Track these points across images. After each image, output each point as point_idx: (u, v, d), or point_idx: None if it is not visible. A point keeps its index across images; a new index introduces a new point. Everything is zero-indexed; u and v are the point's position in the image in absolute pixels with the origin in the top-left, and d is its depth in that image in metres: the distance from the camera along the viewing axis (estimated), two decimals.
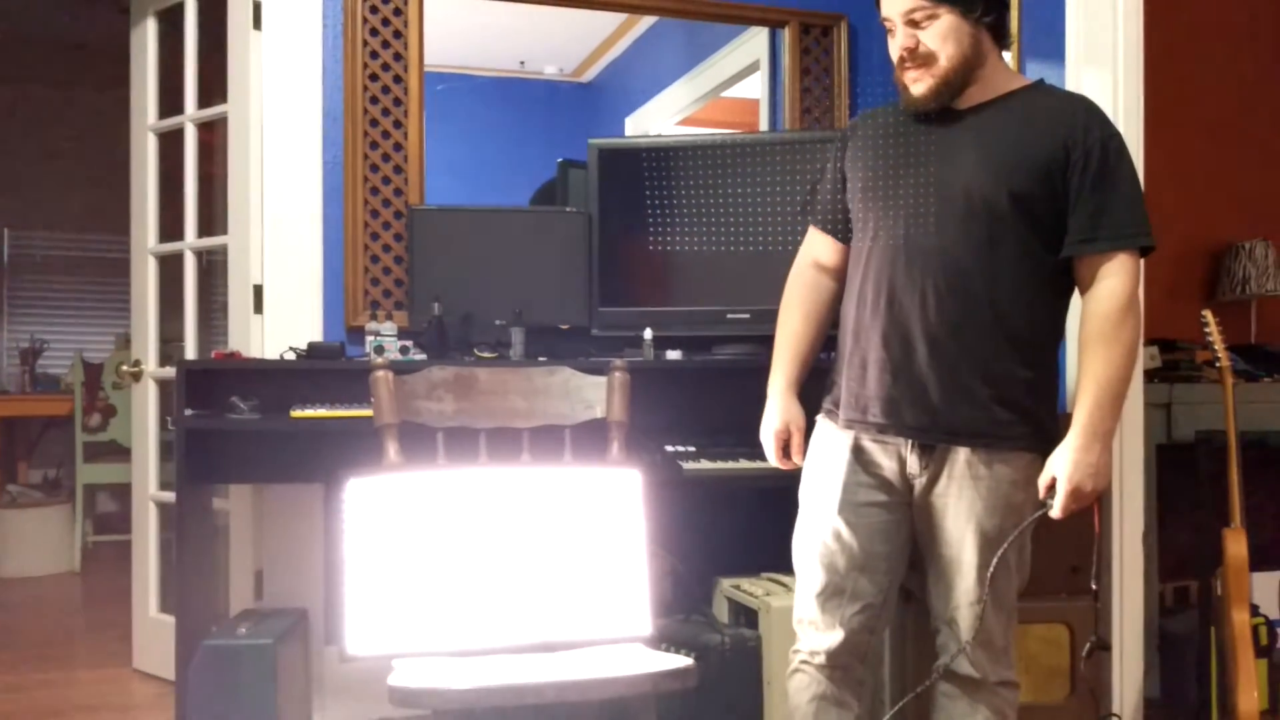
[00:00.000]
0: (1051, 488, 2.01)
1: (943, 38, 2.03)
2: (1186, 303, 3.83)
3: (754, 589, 2.84)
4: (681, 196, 3.17)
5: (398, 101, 3.31)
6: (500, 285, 3.15)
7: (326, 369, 2.95)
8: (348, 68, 3.27)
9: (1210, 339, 2.84)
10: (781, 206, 3.11)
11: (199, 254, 3.63)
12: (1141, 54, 2.85)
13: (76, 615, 4.83)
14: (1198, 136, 3.96)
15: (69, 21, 5.98)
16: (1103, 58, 2.82)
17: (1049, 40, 2.94)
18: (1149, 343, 3.27)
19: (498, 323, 3.10)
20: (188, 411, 2.81)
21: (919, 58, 2.05)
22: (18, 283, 6.52)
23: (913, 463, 2.10)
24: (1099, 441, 1.97)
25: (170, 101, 3.67)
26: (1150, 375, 3.26)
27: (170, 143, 3.68)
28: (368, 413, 2.42)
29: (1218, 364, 2.83)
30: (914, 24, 2.04)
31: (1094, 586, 2.27)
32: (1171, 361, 3.43)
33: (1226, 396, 2.81)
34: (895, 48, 2.09)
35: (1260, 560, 3.02)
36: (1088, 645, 2.24)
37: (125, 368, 3.78)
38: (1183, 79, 3.88)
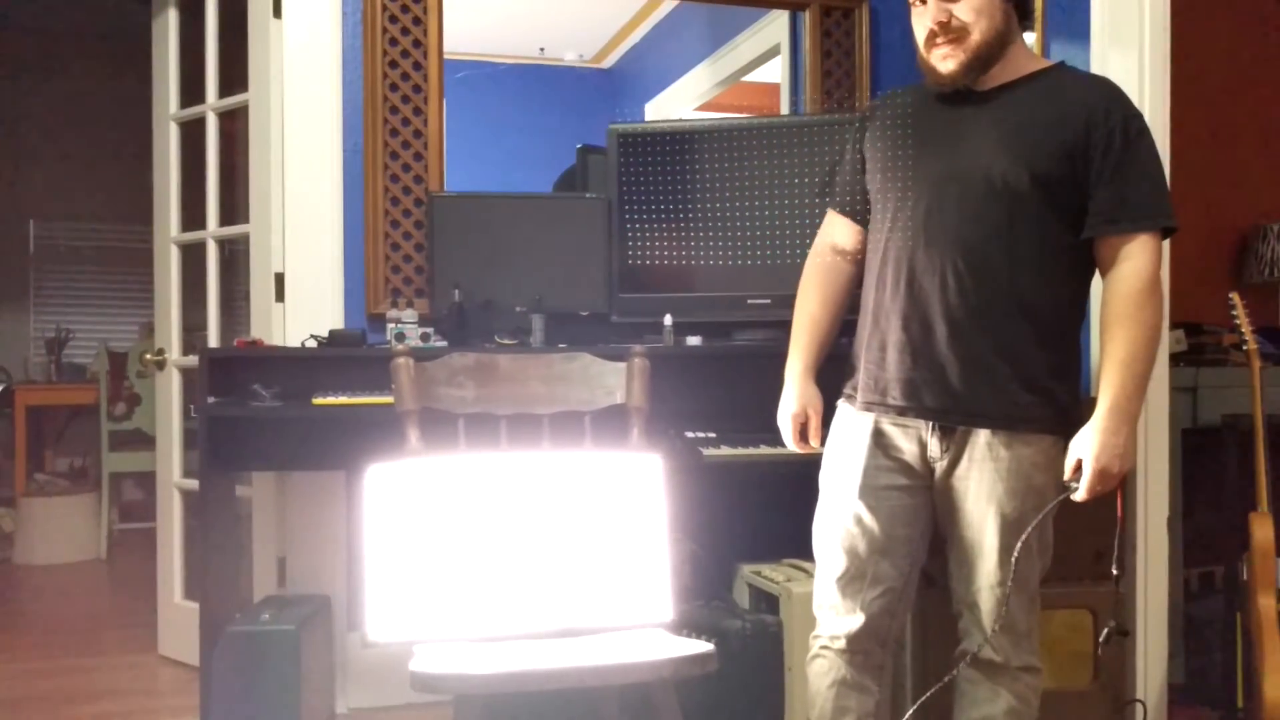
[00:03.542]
0: (1077, 470, 1.99)
1: (976, 11, 2.01)
2: (1213, 285, 3.80)
3: (775, 575, 2.83)
4: (702, 181, 3.16)
5: (417, 88, 3.31)
6: (520, 272, 3.15)
7: (348, 356, 2.96)
8: (367, 55, 3.27)
9: (1237, 322, 2.82)
10: (802, 190, 3.09)
11: (221, 243, 3.65)
12: (1168, 34, 2.82)
13: (102, 602, 4.87)
14: (1224, 118, 3.92)
15: (90, 12, 6.01)
16: (1128, 38, 2.79)
17: (1073, 20, 2.91)
18: (1175, 326, 3.24)
19: (518, 309, 3.10)
20: (211, 400, 2.82)
21: (951, 31, 2.03)
22: (43, 273, 6.57)
23: (933, 445, 2.09)
24: (1125, 423, 1.96)
25: (192, 91, 3.68)
26: (1176, 359, 3.23)
27: (192, 132, 3.70)
28: (389, 400, 2.43)
29: (1244, 347, 2.80)
30: None
31: (1116, 572, 2.25)
32: (1197, 345, 3.40)
33: (1253, 380, 2.78)
34: (923, 24, 2.06)
35: None
36: (1105, 631, 2.22)
37: (149, 356, 3.80)
38: (1209, 59, 3.84)
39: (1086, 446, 1.97)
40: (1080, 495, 1.99)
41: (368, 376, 2.89)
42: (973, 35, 2.02)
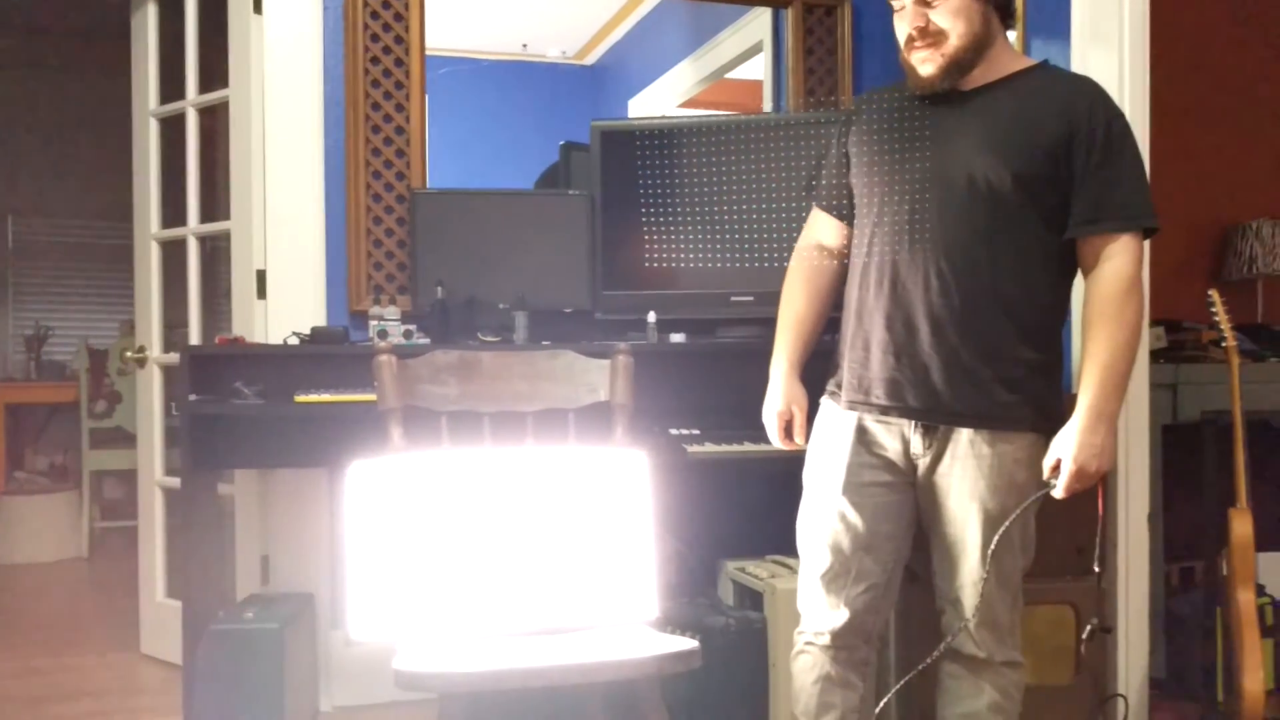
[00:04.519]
0: (1056, 468, 2.01)
1: (954, 15, 2.01)
2: (1193, 283, 3.82)
3: (759, 571, 2.84)
4: (685, 179, 3.16)
5: (399, 85, 3.30)
6: (503, 269, 3.15)
7: (330, 354, 2.95)
8: (349, 51, 3.26)
9: (1216, 319, 2.83)
10: (785, 188, 3.09)
11: (202, 239, 3.63)
12: (1147, 33, 2.83)
13: (84, 601, 4.84)
14: (1204, 116, 3.94)
15: (69, 7, 5.97)
16: (1108, 37, 2.80)
17: (1054, 19, 2.92)
18: (1155, 323, 3.26)
19: (501, 306, 3.10)
20: (192, 397, 2.81)
21: (929, 36, 2.03)
22: (22, 270, 6.52)
23: (916, 443, 2.10)
24: (1103, 422, 1.97)
25: (172, 87, 3.66)
26: (1156, 356, 3.25)
27: (172, 128, 3.68)
28: (371, 397, 2.42)
29: (1224, 344, 2.82)
30: (924, 2, 2.02)
31: (1097, 569, 2.26)
32: (1177, 342, 3.42)
33: (1232, 376, 2.80)
34: (903, 27, 2.07)
35: (1266, 540, 3.02)
36: (1088, 628, 2.23)
37: (130, 354, 3.78)
38: (1189, 58, 3.86)
39: (1065, 445, 1.98)
40: (1058, 493, 2.00)
41: (350, 374, 2.88)
42: (950, 39, 2.03)
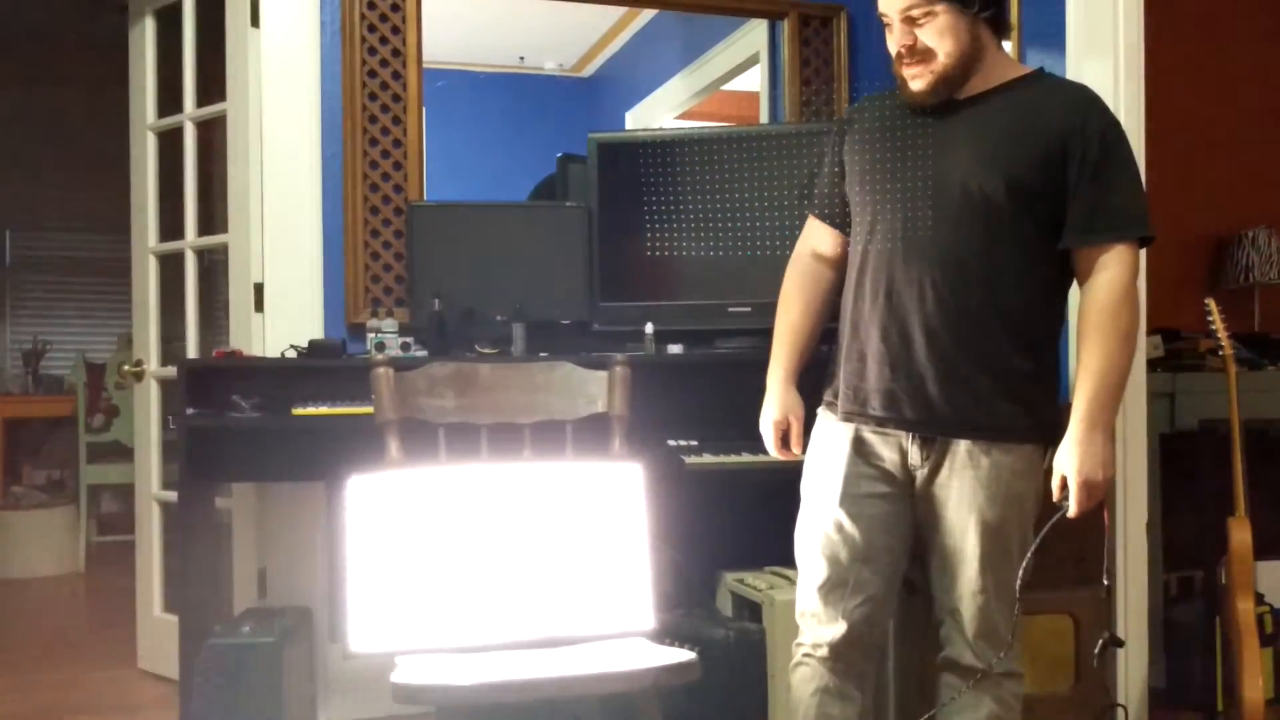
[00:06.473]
0: (1064, 487, 2.00)
1: (940, 34, 2.02)
2: (1190, 291, 3.83)
3: (757, 582, 2.83)
4: (682, 190, 3.16)
5: (396, 98, 3.30)
6: (501, 281, 3.14)
7: (327, 367, 2.94)
8: (346, 64, 3.26)
9: (1214, 327, 2.84)
10: (782, 199, 3.10)
11: (199, 253, 3.63)
12: (1142, 42, 2.84)
13: (81, 616, 4.83)
14: (1200, 125, 3.94)
15: (69, 21, 5.98)
16: (1103, 47, 2.81)
17: (1049, 30, 2.93)
18: (1152, 332, 3.26)
19: (499, 318, 3.09)
20: (189, 411, 2.80)
21: (918, 54, 2.04)
22: (20, 284, 6.53)
23: (914, 454, 2.09)
24: (1099, 432, 1.97)
25: (169, 100, 3.66)
26: (1153, 365, 3.25)
27: (170, 141, 3.68)
28: (369, 410, 2.42)
29: (1221, 353, 2.83)
30: (911, 21, 2.03)
31: (1106, 582, 2.25)
32: (1174, 351, 3.43)
33: (1230, 385, 2.80)
34: (893, 44, 2.08)
35: (1265, 549, 3.01)
36: (1100, 642, 2.22)
37: (127, 368, 3.77)
38: (1185, 67, 3.87)
39: (1067, 462, 1.98)
40: (1072, 511, 1.99)
41: (348, 387, 2.87)
42: (939, 57, 2.03)
